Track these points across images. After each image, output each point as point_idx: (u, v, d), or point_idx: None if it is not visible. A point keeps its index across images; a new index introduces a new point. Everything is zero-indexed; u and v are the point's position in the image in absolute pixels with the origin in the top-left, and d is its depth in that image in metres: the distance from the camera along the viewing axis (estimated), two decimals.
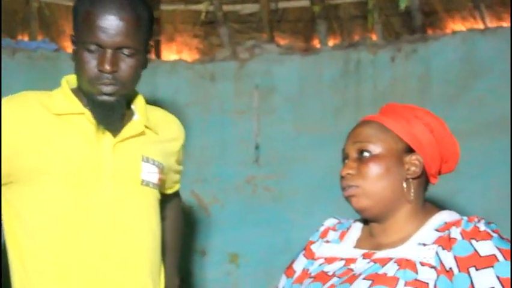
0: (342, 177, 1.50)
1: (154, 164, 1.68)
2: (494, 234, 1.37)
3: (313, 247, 1.63)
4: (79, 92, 1.63)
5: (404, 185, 1.46)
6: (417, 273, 1.35)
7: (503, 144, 2.91)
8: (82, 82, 1.57)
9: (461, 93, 3.00)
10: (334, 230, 1.63)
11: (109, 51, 1.51)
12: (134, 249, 1.61)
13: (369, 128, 1.50)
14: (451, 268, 1.34)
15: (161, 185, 1.74)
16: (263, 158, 3.14)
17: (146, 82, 3.37)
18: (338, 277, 1.44)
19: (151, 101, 3.33)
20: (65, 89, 1.64)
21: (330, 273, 1.47)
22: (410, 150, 1.49)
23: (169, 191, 1.89)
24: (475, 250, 1.34)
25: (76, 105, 1.61)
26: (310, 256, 1.61)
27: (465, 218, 1.42)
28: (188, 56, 3.31)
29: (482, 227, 1.38)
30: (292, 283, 1.57)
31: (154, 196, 1.70)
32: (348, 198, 1.49)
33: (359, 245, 1.54)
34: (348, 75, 3.12)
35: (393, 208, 1.48)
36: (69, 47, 3.32)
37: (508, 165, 2.88)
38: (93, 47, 1.51)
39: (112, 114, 1.58)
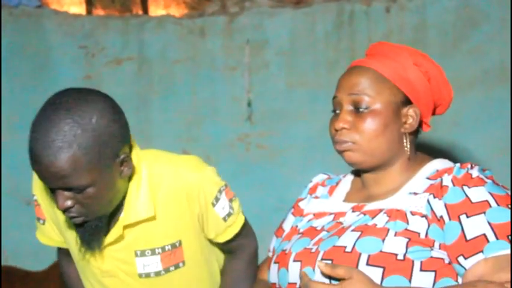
0: (335, 130, 1.42)
1: (154, 253, 1.59)
2: (488, 180, 1.32)
3: (301, 204, 1.61)
4: None
5: (404, 139, 1.42)
6: (408, 223, 1.30)
7: (502, 94, 2.88)
8: None
9: (458, 43, 2.95)
10: (323, 185, 1.60)
11: (59, 192, 1.40)
12: None
13: (365, 78, 1.41)
14: (442, 216, 1.29)
15: (192, 255, 1.64)
16: (256, 115, 3.10)
17: (133, 39, 3.35)
18: (327, 231, 1.40)
19: (139, 59, 3.26)
20: None
21: (319, 228, 1.43)
22: (407, 102, 1.42)
23: (221, 240, 1.70)
24: (467, 196, 1.29)
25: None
26: (299, 213, 1.58)
27: (458, 164, 1.37)
28: (176, 10, 3.24)
29: (475, 173, 1.33)
30: (281, 241, 1.53)
31: (166, 279, 1.62)
32: (341, 153, 1.43)
33: (348, 198, 1.50)
34: (341, 27, 3.05)
35: (389, 161, 1.43)
36: (53, 3, 3.23)
37: (508, 115, 2.84)
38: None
39: (92, 236, 1.52)
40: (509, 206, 1.27)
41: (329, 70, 3.02)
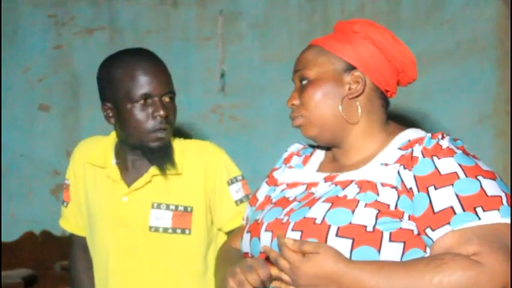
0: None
1: (168, 208, 1.77)
2: (458, 151, 1.32)
3: (275, 174, 1.61)
4: (121, 145, 1.82)
5: (355, 105, 1.42)
6: (378, 194, 1.31)
7: (472, 67, 2.90)
8: (136, 135, 1.73)
9: (431, 15, 2.95)
10: (298, 155, 1.61)
11: (158, 99, 1.71)
12: None
13: (308, 53, 1.46)
14: (411, 188, 1.30)
15: (198, 227, 1.79)
16: (229, 86, 3.09)
17: (104, 8, 3.30)
18: (298, 201, 1.41)
19: (111, 29, 3.22)
20: (107, 142, 1.87)
21: (291, 198, 1.45)
22: (351, 68, 1.43)
23: (227, 229, 1.85)
24: (436, 168, 1.29)
25: (105, 159, 1.82)
26: (273, 183, 1.58)
27: (428, 134, 1.36)
28: None
29: (445, 143, 1.32)
30: (255, 210, 1.54)
31: (172, 240, 1.77)
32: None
33: (321, 168, 1.51)
34: None
35: (344, 130, 1.44)
36: None
37: (479, 86, 2.87)
38: (142, 101, 1.70)
39: (164, 157, 1.75)
40: (478, 176, 1.27)
41: (303, 42, 2.98)
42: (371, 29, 1.44)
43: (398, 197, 1.30)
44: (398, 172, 1.33)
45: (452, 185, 1.26)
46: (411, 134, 1.43)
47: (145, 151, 1.75)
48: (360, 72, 1.42)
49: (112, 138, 1.87)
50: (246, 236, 1.46)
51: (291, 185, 1.50)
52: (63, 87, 3.21)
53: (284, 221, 1.37)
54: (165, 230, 1.76)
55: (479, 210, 1.23)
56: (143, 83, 1.70)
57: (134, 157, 1.79)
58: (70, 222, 1.95)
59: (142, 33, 3.10)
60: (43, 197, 3.22)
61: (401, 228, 1.28)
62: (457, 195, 1.25)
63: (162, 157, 1.75)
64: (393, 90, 1.49)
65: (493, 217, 1.23)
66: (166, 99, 1.74)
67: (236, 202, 1.80)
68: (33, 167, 3.21)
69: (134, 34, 3.11)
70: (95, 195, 1.83)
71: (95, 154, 1.84)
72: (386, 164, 1.37)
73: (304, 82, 1.44)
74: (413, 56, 1.48)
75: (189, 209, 1.78)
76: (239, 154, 3.03)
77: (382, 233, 1.27)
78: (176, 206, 1.77)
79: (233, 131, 3.08)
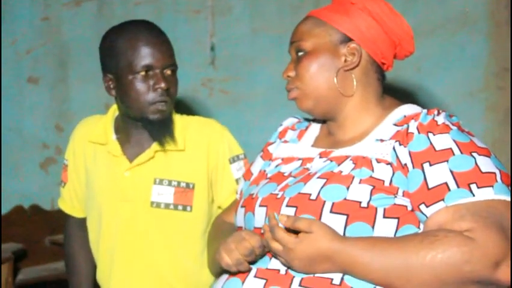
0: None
1: (170, 184, 1.77)
2: (454, 127, 1.32)
3: (270, 148, 1.61)
4: (122, 119, 1.80)
5: (351, 78, 1.41)
6: (373, 170, 1.31)
7: (462, 40, 2.90)
8: (136, 107, 1.71)
9: None
10: (293, 129, 1.60)
11: (160, 72, 1.70)
12: (149, 267, 1.78)
13: (304, 25, 1.45)
14: (406, 164, 1.30)
15: (200, 204, 1.79)
16: (219, 59, 3.07)
17: None
18: (294, 177, 1.41)
19: (98, 1, 3.17)
20: (106, 119, 1.85)
21: (286, 174, 1.44)
22: (347, 40, 1.42)
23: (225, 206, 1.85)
24: (431, 144, 1.29)
25: (105, 136, 1.82)
26: (268, 157, 1.58)
27: (424, 110, 1.36)
28: None
29: (441, 119, 1.32)
30: (249, 185, 1.54)
31: (173, 217, 1.77)
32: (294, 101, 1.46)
33: (317, 143, 1.51)
34: None
35: (339, 103, 1.43)
36: None
37: (469, 61, 2.87)
38: (143, 72, 1.69)
39: (164, 130, 1.75)
40: (473, 153, 1.28)
41: (293, 14, 2.99)
42: (369, 0, 1.43)
43: (393, 173, 1.30)
44: (394, 148, 1.33)
45: (447, 161, 1.27)
46: (407, 109, 1.42)
47: (145, 123, 1.74)
48: (356, 44, 1.41)
49: (110, 114, 1.86)
50: (241, 211, 1.46)
51: (286, 160, 1.49)
52: (52, 59, 3.18)
53: (279, 196, 1.37)
54: (167, 206, 1.76)
55: (473, 186, 1.24)
56: (146, 55, 1.69)
57: (137, 131, 1.78)
58: (66, 203, 1.96)
59: (131, 5, 3.07)
60: (32, 171, 3.21)
61: (395, 204, 1.28)
62: (451, 172, 1.26)
63: (162, 130, 1.74)
64: (390, 63, 1.48)
65: (486, 194, 1.23)
66: (168, 71, 1.73)
67: (237, 180, 1.80)
68: (22, 141, 3.19)
69: (123, 6, 3.07)
70: (96, 172, 1.83)
71: (96, 132, 1.83)
72: (382, 140, 1.36)
73: (300, 54, 1.43)
74: (411, 28, 1.47)
75: (191, 186, 1.78)
76: (230, 128, 3.02)
77: (376, 209, 1.27)
78: (179, 182, 1.77)
79: (223, 104, 3.07)
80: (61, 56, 3.17)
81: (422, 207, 1.27)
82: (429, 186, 1.26)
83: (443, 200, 1.25)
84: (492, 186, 1.24)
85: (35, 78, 3.19)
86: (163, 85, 1.68)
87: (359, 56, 1.41)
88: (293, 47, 1.45)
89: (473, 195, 1.23)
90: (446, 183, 1.25)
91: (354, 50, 1.41)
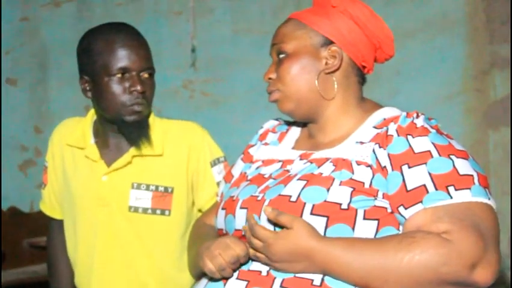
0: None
1: (148, 189, 1.76)
2: (432, 130, 1.33)
3: (251, 150, 1.61)
4: (100, 123, 1.80)
5: (332, 81, 1.42)
6: (353, 172, 1.32)
7: (442, 43, 2.92)
8: (112, 109, 1.71)
9: None
10: (274, 131, 1.61)
11: (136, 74, 1.70)
12: (128, 272, 1.78)
13: (285, 27, 1.45)
14: (385, 166, 1.31)
15: (178, 208, 1.79)
16: (200, 61, 3.08)
17: None
18: (274, 179, 1.41)
19: (79, 1, 3.15)
20: (85, 122, 1.84)
21: (267, 176, 1.45)
22: (328, 43, 1.43)
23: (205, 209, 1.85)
24: (410, 147, 1.30)
25: (83, 140, 1.81)
26: (248, 159, 1.59)
27: (404, 113, 1.37)
28: None
29: (420, 122, 1.34)
30: (230, 187, 1.54)
31: (151, 221, 1.77)
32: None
33: (297, 146, 1.51)
34: None
35: (320, 106, 1.44)
36: None
37: (448, 64, 2.90)
38: (119, 74, 1.69)
39: (140, 132, 1.75)
40: (451, 155, 1.29)
41: (275, 16, 3.00)
42: (350, 3, 1.44)
43: (373, 175, 1.32)
44: (373, 150, 1.34)
45: (426, 163, 1.28)
46: (386, 112, 1.43)
47: (120, 126, 1.74)
48: (337, 47, 1.42)
49: (89, 118, 1.86)
50: (221, 213, 1.46)
51: (267, 162, 1.50)
52: (31, 60, 3.16)
53: (259, 198, 1.37)
54: (144, 210, 1.76)
55: (451, 189, 1.25)
56: (122, 57, 1.68)
57: (115, 135, 1.78)
58: (46, 205, 1.95)
59: (111, 6, 3.06)
60: (11, 173, 3.18)
61: (375, 206, 1.29)
62: (429, 174, 1.27)
63: (138, 133, 1.74)
64: (370, 66, 1.49)
65: (464, 196, 1.25)
66: (145, 75, 1.72)
67: (218, 183, 1.79)
68: (0, 143, 3.16)
69: (103, 7, 3.06)
70: (74, 176, 1.82)
71: (74, 136, 1.83)
72: (362, 143, 1.37)
73: (281, 56, 1.44)
74: (391, 32, 1.48)
75: (170, 190, 1.77)
76: (210, 130, 3.03)
77: (356, 210, 1.28)
78: (157, 187, 1.77)
79: (204, 106, 3.07)
80: (40, 57, 3.15)
81: (401, 209, 1.28)
82: (408, 189, 1.27)
83: (421, 202, 1.26)
84: (470, 189, 1.25)
85: (14, 79, 3.16)
86: (138, 88, 1.68)
87: (340, 59, 1.42)
88: (274, 49, 1.46)
89: (451, 198, 1.25)
90: (424, 186, 1.26)
91: (335, 52, 1.42)
